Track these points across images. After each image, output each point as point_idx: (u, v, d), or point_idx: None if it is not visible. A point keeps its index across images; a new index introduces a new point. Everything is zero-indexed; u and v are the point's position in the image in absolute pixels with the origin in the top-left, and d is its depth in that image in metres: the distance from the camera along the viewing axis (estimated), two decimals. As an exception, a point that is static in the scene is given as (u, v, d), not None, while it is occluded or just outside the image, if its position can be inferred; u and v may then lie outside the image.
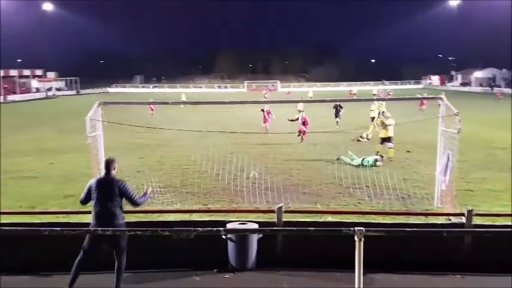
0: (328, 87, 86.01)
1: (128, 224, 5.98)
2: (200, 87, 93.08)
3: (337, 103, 25.17)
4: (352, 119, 26.12)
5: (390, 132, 15.57)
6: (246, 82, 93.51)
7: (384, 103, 23.12)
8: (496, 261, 5.93)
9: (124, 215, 5.80)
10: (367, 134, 20.25)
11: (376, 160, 14.21)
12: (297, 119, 21.46)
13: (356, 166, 14.06)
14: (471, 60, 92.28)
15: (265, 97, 48.19)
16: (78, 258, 5.47)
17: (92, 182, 5.77)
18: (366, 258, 4.25)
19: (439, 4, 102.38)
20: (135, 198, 5.77)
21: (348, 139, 19.97)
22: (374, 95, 50.58)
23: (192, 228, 4.37)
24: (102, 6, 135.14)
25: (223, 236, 6.15)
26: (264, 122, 23.27)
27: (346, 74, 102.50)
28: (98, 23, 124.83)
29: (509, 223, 6.58)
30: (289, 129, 20.95)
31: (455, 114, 7.88)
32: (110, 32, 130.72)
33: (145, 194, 6.05)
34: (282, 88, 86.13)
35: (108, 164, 5.78)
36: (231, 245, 6.30)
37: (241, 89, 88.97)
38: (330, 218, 7.20)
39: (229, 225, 6.36)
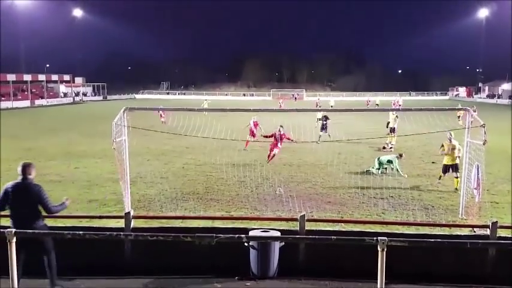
0: (354, 97, 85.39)
1: (151, 230, 6.10)
2: (226, 94, 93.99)
3: (323, 114, 23.31)
4: (367, 127, 25.89)
5: (457, 159, 12.63)
6: (271, 90, 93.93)
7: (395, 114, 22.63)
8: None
9: (43, 219, 5.75)
10: (390, 143, 20.20)
11: (391, 160, 14.21)
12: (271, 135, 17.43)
13: (377, 170, 14.11)
14: (499, 72, 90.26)
15: (281, 105, 47.59)
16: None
17: (8, 186, 5.71)
18: (389, 269, 4.28)
19: (467, 16, 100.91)
20: (49, 205, 5.71)
21: (372, 149, 19.84)
22: (377, 104, 50.89)
23: (213, 235, 4.46)
24: (132, 14, 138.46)
25: (245, 244, 6.22)
26: (251, 135, 20.06)
27: (373, 83, 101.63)
28: (127, 29, 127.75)
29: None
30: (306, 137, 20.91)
31: (481, 126, 7.78)
32: (138, 39, 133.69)
33: (63, 203, 5.97)
34: (308, 97, 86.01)
35: (25, 168, 5.71)
36: (253, 253, 6.37)
37: (267, 97, 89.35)
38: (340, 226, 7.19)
39: (251, 233, 6.44)
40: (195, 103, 58.49)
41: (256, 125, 20.67)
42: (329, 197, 11.68)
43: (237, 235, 4.68)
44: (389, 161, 14.33)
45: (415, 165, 15.79)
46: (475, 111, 8.93)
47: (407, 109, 28.18)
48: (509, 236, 6.54)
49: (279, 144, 16.50)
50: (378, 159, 14.60)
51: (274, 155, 16.52)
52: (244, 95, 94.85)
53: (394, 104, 45.85)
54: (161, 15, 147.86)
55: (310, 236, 6.05)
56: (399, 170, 14.03)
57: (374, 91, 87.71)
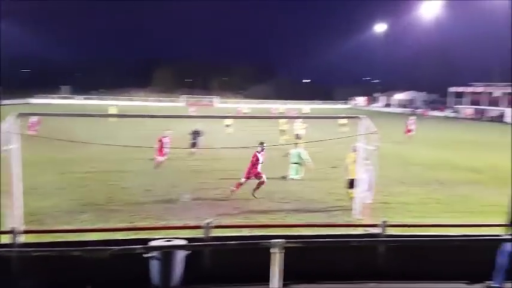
0: (266, 104, 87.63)
1: (41, 245, 5.65)
2: (135, 100, 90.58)
3: (196, 129, 20.09)
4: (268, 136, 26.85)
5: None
6: (183, 96, 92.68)
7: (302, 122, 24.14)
8: (408, 269, 6.41)
9: None
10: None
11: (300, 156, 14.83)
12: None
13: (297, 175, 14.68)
14: (394, 83, 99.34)
15: (193, 112, 47.12)
16: None
17: None
18: (289, 270, 4.40)
19: (366, 31, 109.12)
20: None
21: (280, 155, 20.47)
22: (281, 113, 52.71)
23: (107, 247, 4.23)
24: (28, 12, 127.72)
25: (147, 255, 6.02)
26: (160, 155, 16.74)
27: (282, 92, 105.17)
28: (23, 29, 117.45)
29: (420, 233, 7.13)
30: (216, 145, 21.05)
31: (373, 133, 8.43)
32: (36, 40, 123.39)
33: None
34: (221, 104, 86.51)
35: None
36: (155, 264, 6.17)
37: (178, 104, 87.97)
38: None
39: (153, 243, 6.25)
40: (100, 108, 55.62)
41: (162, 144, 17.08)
42: (238, 202, 11.80)
43: (133, 246, 4.49)
44: (300, 157, 14.93)
45: (318, 169, 16.56)
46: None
47: (309, 117, 29.70)
48: (398, 233, 7.10)
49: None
50: (292, 163, 15.10)
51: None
52: (155, 100, 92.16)
53: (293, 113, 47.74)
54: (61, 14, 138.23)
55: (210, 243, 6.05)
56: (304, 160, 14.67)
57: (283, 99, 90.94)
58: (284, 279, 4.51)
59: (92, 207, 10.74)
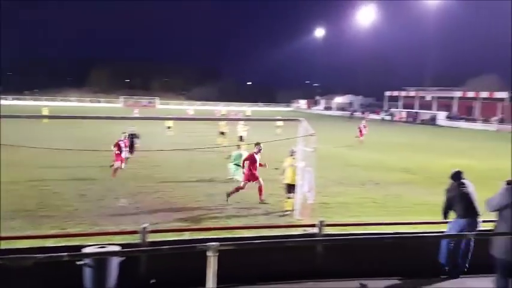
0: (208, 106, 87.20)
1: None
2: (70, 100, 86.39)
3: (132, 132, 18.43)
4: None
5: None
6: (122, 97, 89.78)
7: (245, 124, 24.31)
8: (344, 267, 6.58)
9: None
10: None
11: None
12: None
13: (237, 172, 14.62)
14: (333, 87, 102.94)
15: (136, 114, 45.81)
16: None
17: None
18: (227, 273, 4.32)
19: (307, 35, 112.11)
20: None
21: (222, 157, 20.39)
22: (223, 115, 52.94)
23: (31, 255, 3.95)
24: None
25: (80, 262, 5.73)
26: (118, 160, 15.28)
27: (225, 94, 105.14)
28: None
29: (357, 232, 7.35)
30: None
31: (311, 135, 8.60)
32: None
33: None
34: (161, 105, 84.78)
35: None
36: (88, 271, 5.88)
37: (116, 104, 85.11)
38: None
39: (85, 250, 5.95)
40: (32, 109, 52.48)
41: (125, 146, 15.96)
42: (178, 206, 11.56)
43: (60, 254, 4.22)
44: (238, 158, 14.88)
45: (261, 171, 16.66)
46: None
47: (251, 119, 29.99)
48: (336, 233, 7.27)
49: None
50: (232, 163, 15.02)
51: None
52: (91, 101, 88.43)
53: (236, 115, 47.95)
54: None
55: (143, 248, 5.87)
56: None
57: (226, 101, 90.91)
58: (222, 282, 4.44)
59: (21, 213, 10.05)
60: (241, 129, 23.71)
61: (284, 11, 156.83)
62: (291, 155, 11.33)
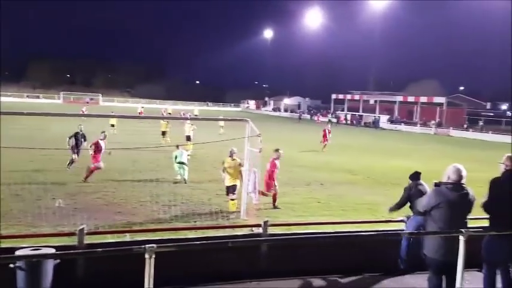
0: (154, 104, 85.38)
1: None
2: (7, 95, 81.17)
3: (80, 132, 17.10)
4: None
5: (239, 178, 11.16)
6: (62, 93, 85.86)
7: (192, 123, 24.02)
8: (288, 266, 6.66)
9: None
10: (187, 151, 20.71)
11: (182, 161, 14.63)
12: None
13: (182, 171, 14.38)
14: (282, 88, 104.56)
15: (84, 111, 44.15)
16: None
17: None
18: (166, 275, 4.21)
19: (257, 36, 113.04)
20: None
21: (168, 156, 20.03)
22: (169, 113, 52.12)
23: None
24: None
25: (12, 265, 5.40)
26: (96, 161, 14.69)
27: (173, 93, 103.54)
28: None
29: (301, 231, 7.47)
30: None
31: (258, 135, 8.64)
32: None
33: None
34: (105, 102, 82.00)
35: None
36: (21, 274, 5.55)
37: (56, 100, 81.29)
38: (128, 237, 6.96)
39: (18, 252, 5.62)
40: (-38, 104, 48.87)
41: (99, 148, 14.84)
42: (120, 207, 11.20)
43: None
44: (181, 162, 14.71)
45: (208, 171, 16.55)
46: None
47: (198, 118, 29.63)
48: (280, 232, 7.34)
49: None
50: (175, 163, 14.84)
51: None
52: (28, 96, 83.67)
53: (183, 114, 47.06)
54: None
55: (79, 251, 5.66)
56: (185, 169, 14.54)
57: (174, 100, 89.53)
58: (162, 284, 4.34)
59: None
60: (188, 128, 23.41)
61: (233, 10, 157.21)
62: (230, 156, 11.24)
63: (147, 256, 3.71)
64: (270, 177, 11.76)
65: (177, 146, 15.43)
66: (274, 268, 6.59)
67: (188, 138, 22.84)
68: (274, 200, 11.88)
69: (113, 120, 28.48)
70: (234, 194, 10.89)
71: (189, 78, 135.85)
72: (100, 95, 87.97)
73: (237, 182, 11.05)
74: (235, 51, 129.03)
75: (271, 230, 7.12)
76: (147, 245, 3.68)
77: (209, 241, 5.94)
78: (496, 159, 5.97)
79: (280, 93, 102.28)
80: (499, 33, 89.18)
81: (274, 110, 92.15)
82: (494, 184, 5.64)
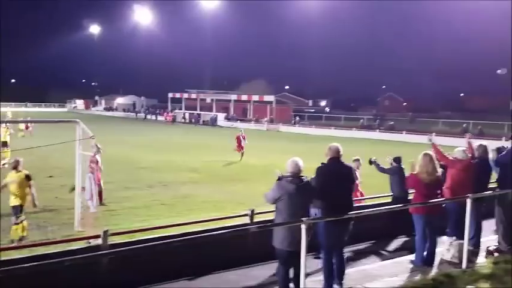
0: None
1: None
2: None
3: None
4: None
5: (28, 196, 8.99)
6: None
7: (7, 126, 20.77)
8: (133, 276, 6.17)
9: None
10: (3, 159, 17.81)
11: None
12: None
13: None
14: (114, 86, 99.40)
15: None
16: None
17: None
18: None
19: (81, 31, 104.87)
20: None
21: None
22: None
23: None
24: None
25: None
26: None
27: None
28: None
29: (146, 237, 7.00)
30: None
31: (91, 138, 7.83)
32: None
33: None
34: None
35: None
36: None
37: None
38: None
39: None
40: None
41: None
42: None
43: None
44: None
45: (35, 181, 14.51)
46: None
47: (14, 121, 25.92)
48: (123, 242, 6.75)
49: None
50: None
51: None
52: None
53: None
54: None
55: None
56: None
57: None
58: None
59: None
60: (4, 133, 20.09)
61: (53, 3, 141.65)
62: (14, 168, 8.82)
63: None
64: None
65: None
66: (115, 280, 5.99)
67: (5, 144, 19.68)
68: (101, 199, 11.05)
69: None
70: (18, 217, 8.65)
71: (1, 77, 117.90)
72: None
73: (23, 202, 8.81)
74: (57, 47, 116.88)
75: (113, 240, 6.53)
76: None
77: (41, 262, 5.01)
78: (317, 150, 6.47)
79: (113, 92, 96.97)
80: (317, 34, 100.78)
81: (106, 109, 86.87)
82: (322, 172, 6.02)
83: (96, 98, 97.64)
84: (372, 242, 8.68)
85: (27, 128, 30.62)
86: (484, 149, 7.88)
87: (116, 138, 30.28)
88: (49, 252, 6.18)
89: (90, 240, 6.75)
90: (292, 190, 5.43)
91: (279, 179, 5.56)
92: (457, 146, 8.02)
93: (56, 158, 18.65)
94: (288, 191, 5.43)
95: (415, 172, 6.96)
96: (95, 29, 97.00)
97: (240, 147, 23.17)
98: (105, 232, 6.10)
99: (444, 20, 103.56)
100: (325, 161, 6.08)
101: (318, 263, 6.57)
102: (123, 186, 14.42)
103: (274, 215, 5.67)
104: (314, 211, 6.49)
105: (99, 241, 6.25)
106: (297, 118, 59.87)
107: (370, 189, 10.79)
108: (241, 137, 23.23)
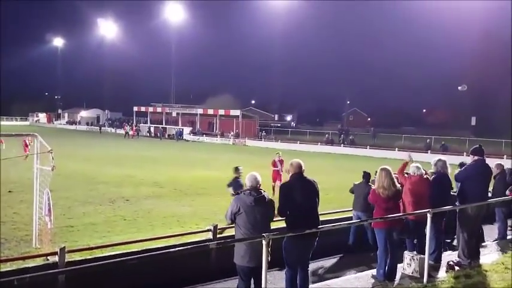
0: None
1: None
2: None
3: None
4: None
5: None
6: None
7: None
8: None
9: None
10: None
11: None
12: None
13: None
14: (77, 100, 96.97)
15: None
16: None
17: None
18: None
19: (44, 43, 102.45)
20: None
21: None
22: None
23: None
24: None
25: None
26: None
27: None
28: None
29: (106, 254, 6.84)
30: None
31: (49, 152, 7.64)
32: None
33: None
34: None
35: None
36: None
37: None
38: None
39: None
40: None
41: None
42: None
43: None
44: None
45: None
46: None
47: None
48: (81, 259, 6.58)
49: None
50: None
51: None
52: None
53: None
54: None
55: None
56: None
57: None
58: None
59: None
60: None
61: (14, 14, 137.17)
62: None
63: None
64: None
65: None
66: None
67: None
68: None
69: None
70: None
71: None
72: None
73: None
74: (19, 59, 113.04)
75: (72, 257, 6.37)
76: None
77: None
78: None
79: (76, 105, 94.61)
80: (282, 48, 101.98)
81: (69, 123, 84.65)
82: (286, 188, 6.02)
83: (59, 111, 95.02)
84: (337, 256, 8.82)
85: None
86: (442, 164, 8.09)
87: (75, 152, 29.53)
88: (5, 270, 5.96)
89: (49, 257, 6.54)
90: (250, 203, 5.46)
91: (237, 193, 5.61)
92: (418, 162, 8.28)
93: (15, 172, 18.00)
94: (245, 203, 5.47)
95: (374, 187, 7.17)
96: (58, 41, 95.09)
97: (277, 175, 16.45)
98: (62, 249, 5.93)
99: (407, 36, 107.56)
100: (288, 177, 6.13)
101: (283, 276, 6.59)
102: (83, 202, 14.04)
103: (235, 231, 5.68)
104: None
105: (56, 258, 6.07)
106: (263, 132, 60.28)
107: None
108: (277, 162, 16.92)
